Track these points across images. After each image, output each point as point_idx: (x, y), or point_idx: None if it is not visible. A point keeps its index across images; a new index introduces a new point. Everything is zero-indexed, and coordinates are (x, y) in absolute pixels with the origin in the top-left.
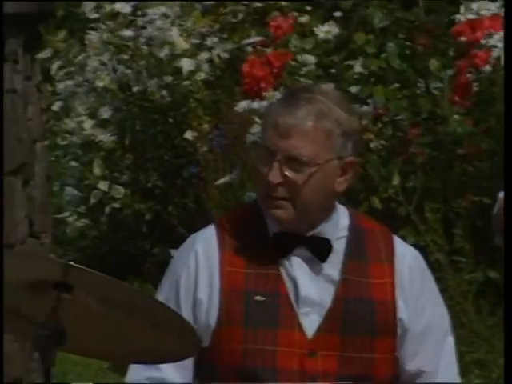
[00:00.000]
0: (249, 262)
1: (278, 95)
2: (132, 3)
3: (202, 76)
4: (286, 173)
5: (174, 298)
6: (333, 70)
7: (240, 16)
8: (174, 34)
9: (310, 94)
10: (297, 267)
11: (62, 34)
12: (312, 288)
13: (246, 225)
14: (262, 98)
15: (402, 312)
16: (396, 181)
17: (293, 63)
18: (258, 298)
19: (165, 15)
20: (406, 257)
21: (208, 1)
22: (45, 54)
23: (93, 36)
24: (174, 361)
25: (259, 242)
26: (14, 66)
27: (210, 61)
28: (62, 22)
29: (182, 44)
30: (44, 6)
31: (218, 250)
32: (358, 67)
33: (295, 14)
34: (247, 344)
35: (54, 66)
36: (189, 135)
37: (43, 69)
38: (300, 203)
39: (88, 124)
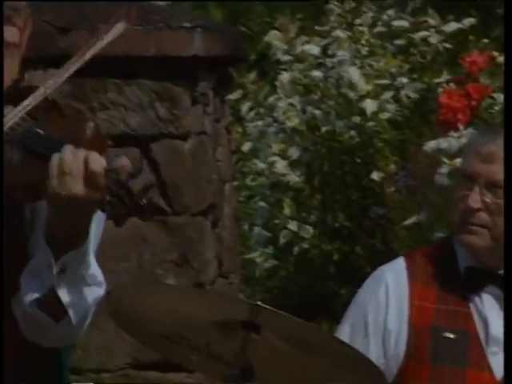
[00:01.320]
0: (438, 296)
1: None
2: (321, 44)
3: (386, 116)
4: (487, 198)
5: (362, 329)
6: None
7: (429, 56)
8: (355, 74)
9: None
10: (488, 305)
11: (252, 76)
12: (502, 327)
13: (437, 259)
14: (457, 130)
15: None
16: None
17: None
18: (447, 334)
19: (354, 56)
20: None
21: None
22: (235, 95)
23: (283, 77)
24: None
25: (449, 277)
26: (205, 108)
27: (398, 100)
28: (253, 63)
29: (364, 86)
30: (236, 50)
31: (408, 283)
32: None
33: (495, 53)
34: (434, 381)
35: (244, 107)
36: (376, 176)
37: (233, 110)
38: (498, 232)
39: (277, 164)
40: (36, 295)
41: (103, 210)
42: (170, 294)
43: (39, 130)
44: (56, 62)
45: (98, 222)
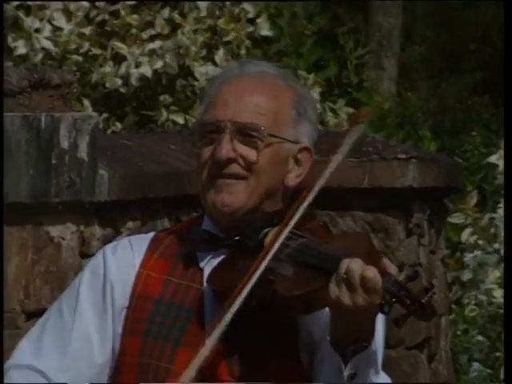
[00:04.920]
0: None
1: None
2: None
3: None
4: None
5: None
6: None
7: None
8: None
9: None
10: None
11: (473, 201)
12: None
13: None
14: None
15: None
16: None
17: None
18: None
19: None
20: None
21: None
22: (457, 218)
23: None
24: None
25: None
26: (420, 239)
27: None
28: (468, 194)
29: None
30: (451, 180)
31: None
32: None
33: None
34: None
35: (464, 233)
36: None
37: (449, 242)
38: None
39: (496, 293)
40: None
41: (384, 312)
42: None
43: (309, 243)
44: None
45: (380, 325)
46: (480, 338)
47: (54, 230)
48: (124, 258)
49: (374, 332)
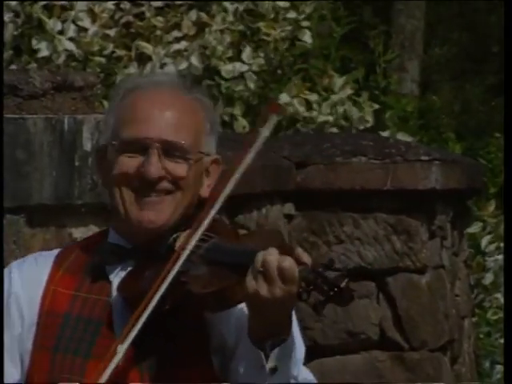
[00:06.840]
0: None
1: None
2: None
3: None
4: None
5: None
6: None
7: None
8: None
9: None
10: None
11: (491, 208)
12: None
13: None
14: None
15: None
16: None
17: None
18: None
19: None
20: None
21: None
22: (474, 228)
23: None
24: None
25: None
26: (443, 241)
27: None
28: (491, 196)
29: None
30: (474, 182)
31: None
32: None
33: None
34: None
35: (484, 240)
36: None
37: (472, 243)
38: None
39: None
40: None
41: (302, 300)
42: None
43: (220, 243)
44: (292, 196)
45: (295, 324)
46: (502, 340)
47: (77, 232)
48: (30, 274)
49: (291, 324)
